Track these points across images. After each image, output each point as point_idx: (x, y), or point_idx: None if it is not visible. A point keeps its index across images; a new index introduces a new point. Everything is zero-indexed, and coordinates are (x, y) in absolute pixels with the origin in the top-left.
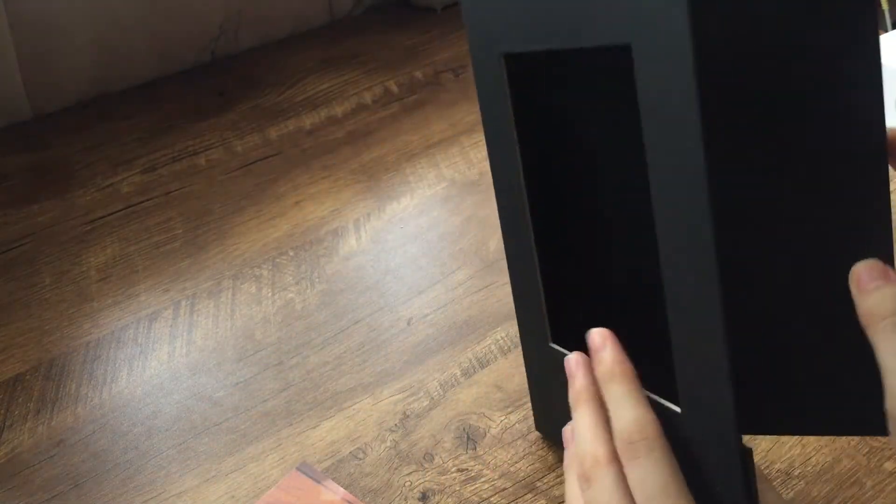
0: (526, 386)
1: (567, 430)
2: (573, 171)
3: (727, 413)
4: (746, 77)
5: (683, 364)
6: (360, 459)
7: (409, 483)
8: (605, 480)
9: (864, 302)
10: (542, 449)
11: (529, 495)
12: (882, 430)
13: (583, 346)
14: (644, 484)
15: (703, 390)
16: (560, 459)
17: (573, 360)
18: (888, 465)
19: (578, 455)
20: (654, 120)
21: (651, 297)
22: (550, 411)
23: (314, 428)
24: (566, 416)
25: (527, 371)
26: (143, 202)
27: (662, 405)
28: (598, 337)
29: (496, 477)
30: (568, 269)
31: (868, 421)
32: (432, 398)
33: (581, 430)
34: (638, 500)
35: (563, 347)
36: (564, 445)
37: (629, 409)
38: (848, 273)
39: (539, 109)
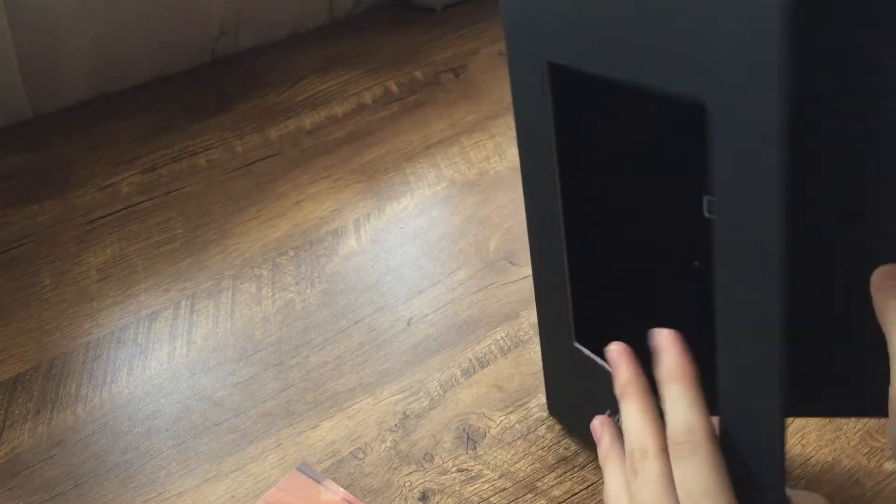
0: (526, 386)
1: (596, 426)
2: (610, 184)
3: (772, 435)
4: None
5: (730, 385)
6: (360, 459)
7: (409, 483)
8: (651, 473)
9: (879, 298)
10: (542, 449)
11: (529, 495)
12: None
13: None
14: (685, 483)
15: (748, 410)
16: (560, 458)
17: (615, 350)
18: (888, 465)
19: (627, 446)
20: (728, 179)
21: (685, 307)
22: (567, 402)
23: (314, 428)
24: (584, 408)
25: (543, 364)
26: (143, 202)
27: None
28: (663, 339)
29: (496, 477)
30: (597, 275)
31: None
32: (432, 398)
33: (629, 424)
34: (680, 497)
35: (587, 348)
36: (595, 440)
37: (681, 411)
38: None
39: (581, 120)
